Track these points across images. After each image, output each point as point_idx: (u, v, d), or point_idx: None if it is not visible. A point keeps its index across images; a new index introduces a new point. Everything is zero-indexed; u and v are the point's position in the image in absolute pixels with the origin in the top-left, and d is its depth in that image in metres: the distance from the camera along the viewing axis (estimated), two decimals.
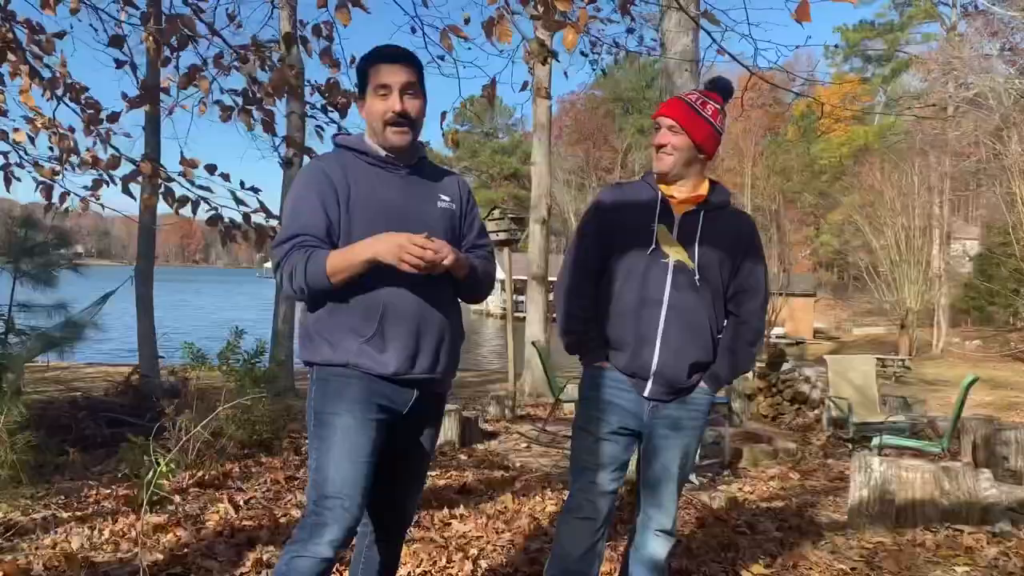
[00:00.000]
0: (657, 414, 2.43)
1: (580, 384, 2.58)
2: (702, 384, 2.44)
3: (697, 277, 2.37)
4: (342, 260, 2.05)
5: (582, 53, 9.64)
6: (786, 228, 36.96)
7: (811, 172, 49.76)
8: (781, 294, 32.69)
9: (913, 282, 27.55)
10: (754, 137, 48.82)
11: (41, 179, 3.83)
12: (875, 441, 6.60)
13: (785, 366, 9.88)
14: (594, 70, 9.98)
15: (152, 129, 11.08)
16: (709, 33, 2.90)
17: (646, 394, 2.40)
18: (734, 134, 51.81)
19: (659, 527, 2.49)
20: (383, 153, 2.22)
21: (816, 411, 9.09)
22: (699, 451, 5.97)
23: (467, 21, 2.96)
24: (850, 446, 7.76)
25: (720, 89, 2.49)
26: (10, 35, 3.33)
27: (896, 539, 4.07)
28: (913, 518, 4.39)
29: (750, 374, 10.04)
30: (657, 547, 2.50)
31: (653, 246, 2.38)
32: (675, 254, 2.38)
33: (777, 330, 34.04)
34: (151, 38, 3.55)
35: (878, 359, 21.85)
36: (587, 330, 2.47)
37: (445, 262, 2.06)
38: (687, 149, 2.39)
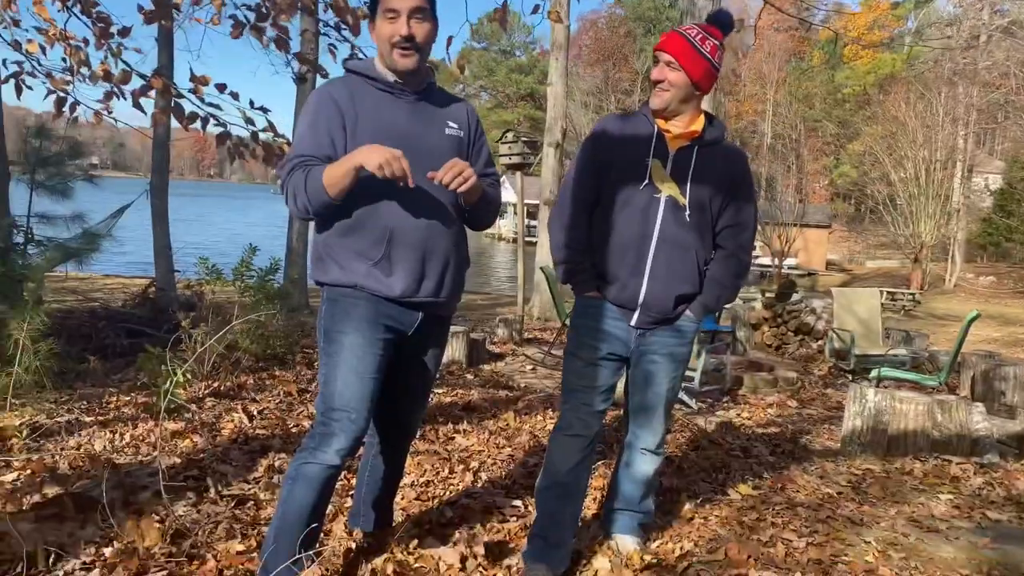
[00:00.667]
0: (644, 341, 2.53)
1: (572, 311, 2.68)
2: (687, 313, 2.53)
3: (688, 213, 2.42)
4: (336, 171, 2.10)
5: None
6: (805, 158, 36.31)
7: (834, 100, 48.66)
8: (796, 225, 32.42)
9: (930, 216, 27.24)
10: (778, 62, 47.58)
11: (52, 89, 3.85)
12: (874, 373, 6.72)
13: (794, 297, 9.94)
14: None
15: (165, 42, 10.97)
16: None
17: (633, 323, 2.50)
18: (756, 59, 50.52)
19: (645, 446, 2.63)
20: (391, 78, 2.25)
21: (820, 342, 9.20)
22: (700, 377, 6.12)
23: None
24: (850, 377, 7.89)
25: (720, 24, 2.48)
26: None
27: (885, 467, 4.20)
28: (904, 448, 4.52)
29: (757, 303, 10.12)
30: (644, 464, 2.65)
31: (646, 181, 2.42)
32: (667, 190, 2.42)
33: (789, 260, 33.94)
34: None
35: (888, 292, 21.98)
36: (580, 261, 2.54)
37: (469, 182, 2.13)
38: (684, 86, 2.40)
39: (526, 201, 11.10)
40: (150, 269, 11.93)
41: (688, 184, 2.42)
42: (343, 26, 3.73)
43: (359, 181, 2.10)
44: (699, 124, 2.48)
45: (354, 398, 2.17)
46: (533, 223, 21.29)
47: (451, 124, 2.33)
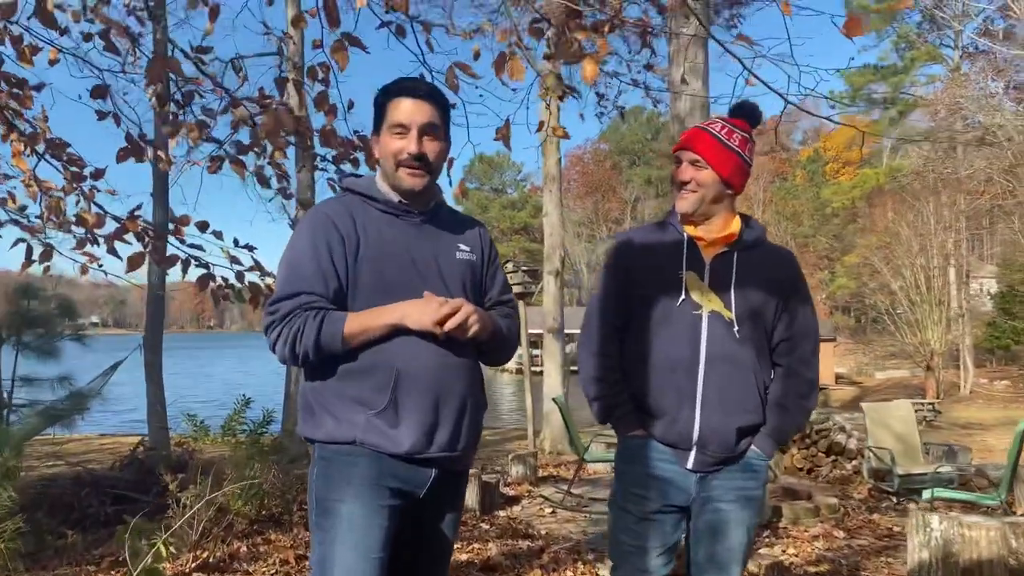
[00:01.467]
0: (706, 486, 2.11)
1: (616, 456, 2.28)
2: (753, 448, 2.13)
3: (736, 328, 2.08)
4: (365, 322, 1.80)
5: (582, 116, 9.58)
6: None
7: (822, 216, 49.72)
8: None
9: (936, 323, 27.03)
10: (762, 183, 48.94)
11: (21, 237, 3.60)
12: (926, 495, 6.18)
13: (814, 415, 9.47)
14: (601, 123, 9.92)
15: (160, 196, 11.03)
16: (741, 60, 2.66)
17: (690, 466, 2.10)
18: None
19: None
20: (395, 198, 1.97)
21: (854, 462, 8.64)
22: None
23: (477, 56, 2.75)
24: (895, 499, 7.32)
25: (746, 115, 2.21)
26: None
27: None
28: None
29: None
30: None
31: (683, 296, 2.10)
32: (708, 304, 2.10)
33: None
34: (154, 97, 3.38)
35: None
36: (616, 394, 2.18)
37: (471, 332, 1.85)
38: (713, 185, 2.12)
39: (530, 331, 10.85)
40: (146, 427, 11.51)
41: (732, 294, 2.09)
42: (343, 160, 3.54)
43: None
44: (735, 226, 2.18)
45: None
46: (537, 352, 20.98)
47: (462, 247, 2.04)
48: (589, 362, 2.22)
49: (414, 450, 1.83)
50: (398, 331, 1.83)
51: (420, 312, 1.80)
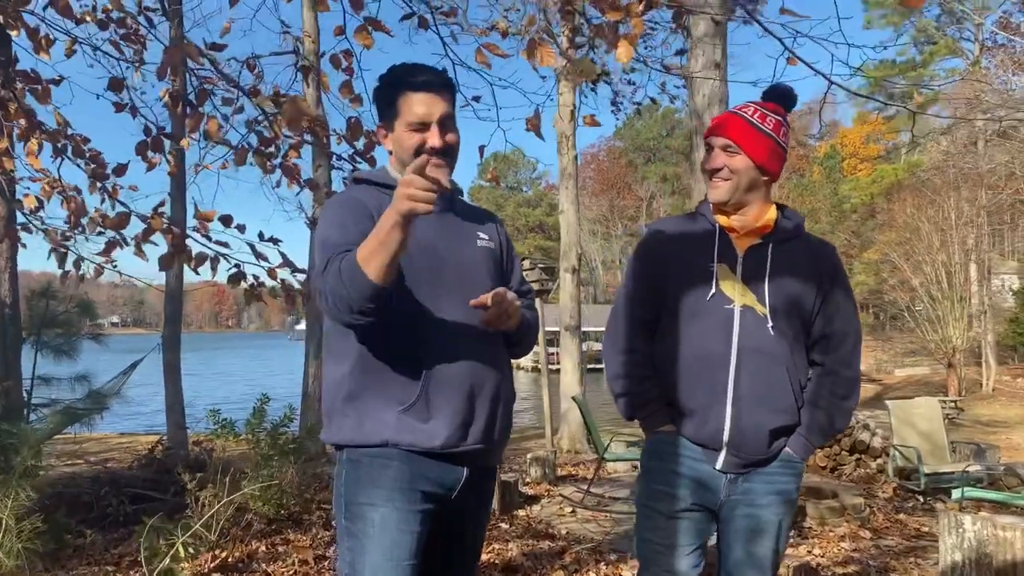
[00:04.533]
0: (737, 489, 2.03)
1: (643, 453, 2.19)
2: (787, 450, 2.03)
3: (770, 324, 1.98)
4: (370, 244, 1.64)
5: (613, 105, 9.52)
6: None
7: (840, 212, 49.24)
8: None
9: (958, 319, 26.67)
10: (780, 178, 48.57)
11: (53, 246, 3.58)
12: (956, 495, 6.04)
13: None
14: (617, 119, 9.84)
15: (178, 194, 11.05)
16: (781, 40, 2.56)
17: (719, 466, 2.01)
18: None
19: None
20: None
21: (878, 460, 8.50)
22: None
23: (504, 34, 2.67)
24: (921, 499, 7.18)
25: (780, 97, 2.11)
26: (11, 95, 3.12)
27: None
28: None
29: None
30: None
31: (713, 290, 2.01)
32: (740, 298, 2.00)
33: None
34: (168, 95, 3.35)
35: None
36: (644, 391, 2.09)
37: (514, 319, 1.79)
38: (747, 171, 2.02)
39: (547, 328, 10.76)
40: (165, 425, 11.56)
41: (766, 287, 2.00)
42: (357, 158, 3.49)
43: (390, 300, 1.68)
44: (771, 216, 2.08)
45: None
46: (554, 350, 20.88)
47: (481, 236, 1.98)
48: (616, 359, 2.14)
49: (448, 444, 1.76)
50: (422, 322, 1.77)
51: (400, 200, 1.58)
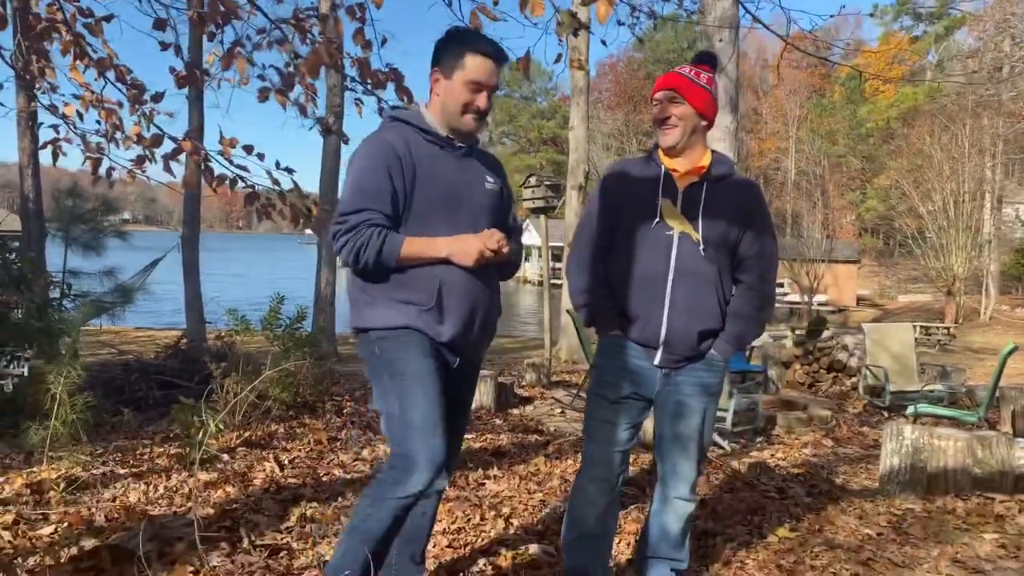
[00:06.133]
0: (669, 381, 2.51)
1: (595, 351, 2.68)
2: (712, 351, 2.51)
3: (702, 247, 2.43)
4: (418, 251, 2.21)
5: (619, 22, 9.55)
6: (831, 193, 36.17)
7: (857, 135, 48.56)
8: (824, 261, 32.17)
9: (962, 248, 26.86)
10: (799, 99, 47.72)
11: (88, 154, 3.97)
12: (910, 410, 6.58)
13: (825, 334, 9.82)
14: (632, 36, 9.89)
15: (195, 100, 11.32)
16: (742, 4, 2.88)
17: (657, 362, 2.48)
18: (777, 96, 50.72)
19: (676, 494, 2.56)
20: (443, 132, 2.35)
21: (853, 379, 9.04)
22: (732, 418, 6.04)
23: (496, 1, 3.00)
24: (886, 414, 7.73)
25: (708, 59, 2.54)
26: (61, 14, 3.47)
27: (925, 506, 4.09)
28: (944, 486, 4.40)
29: (787, 341, 10.01)
30: (677, 511, 2.58)
31: (657, 219, 2.45)
32: (679, 226, 2.44)
33: (819, 297, 33.59)
34: (196, 15, 3.65)
35: (921, 327, 21.61)
36: (599, 303, 2.56)
37: (503, 253, 2.28)
38: (690, 117, 2.45)
39: (551, 244, 11.14)
40: (183, 321, 12.16)
41: (700, 220, 2.44)
42: (370, 85, 3.82)
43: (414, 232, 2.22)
44: (706, 160, 2.52)
45: (432, 424, 2.20)
46: (558, 266, 21.32)
47: (489, 179, 2.43)
48: (579, 276, 2.61)
49: (453, 341, 2.29)
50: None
51: (464, 255, 2.22)
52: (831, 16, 3.87)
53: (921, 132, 31.06)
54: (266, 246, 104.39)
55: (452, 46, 2.31)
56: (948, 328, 22.71)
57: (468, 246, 2.23)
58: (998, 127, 28.90)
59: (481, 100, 2.30)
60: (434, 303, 2.24)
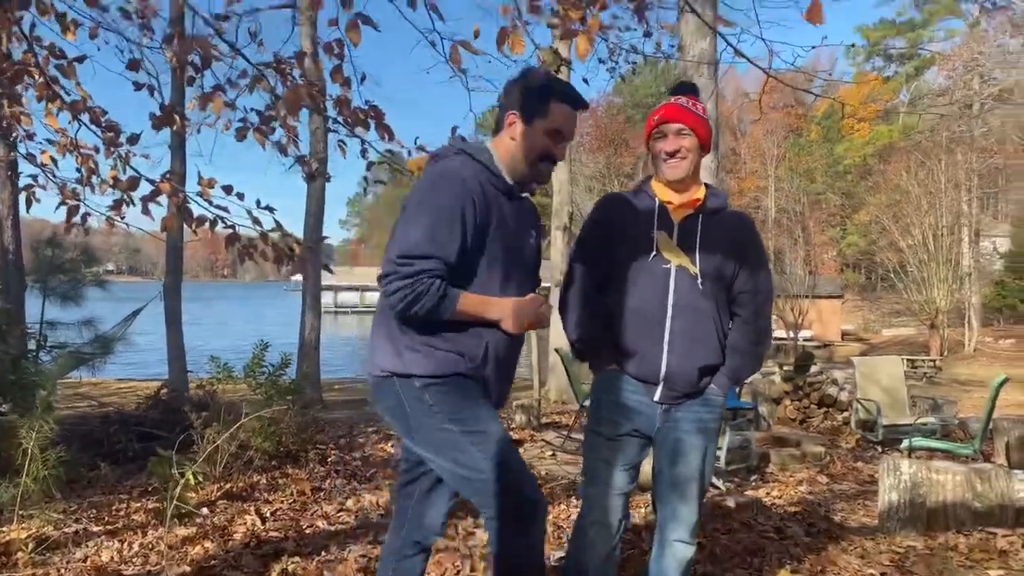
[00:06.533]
0: (670, 417, 2.43)
1: (591, 388, 2.59)
2: (712, 386, 2.44)
3: (700, 281, 2.37)
4: (472, 310, 2.12)
5: (600, 60, 9.65)
6: (811, 230, 36.58)
7: (835, 172, 49.31)
8: (808, 296, 32.35)
9: (943, 281, 27.12)
10: (776, 138, 48.49)
11: (64, 200, 3.90)
12: (904, 444, 6.50)
13: (812, 369, 9.78)
14: (612, 77, 10.00)
15: (178, 147, 11.28)
16: (724, 37, 2.87)
17: (656, 398, 2.40)
18: (755, 136, 51.50)
19: (678, 536, 2.46)
20: (509, 180, 2.26)
21: (844, 414, 8.97)
22: (726, 456, 5.94)
23: (476, 34, 2.98)
24: (879, 449, 7.65)
25: (691, 89, 2.51)
26: (33, 58, 3.42)
27: (927, 543, 4.00)
28: (945, 521, 4.31)
29: (776, 377, 9.94)
30: (677, 556, 2.47)
31: (654, 252, 2.39)
32: (676, 259, 2.38)
33: (805, 333, 33.69)
34: (174, 58, 3.62)
35: (908, 360, 21.67)
36: (596, 337, 2.49)
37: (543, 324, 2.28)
38: (696, 150, 2.41)
39: None
40: (165, 371, 11.93)
41: (697, 253, 2.39)
42: (356, 126, 3.78)
43: (466, 284, 2.14)
44: (700, 193, 2.46)
45: (521, 463, 2.16)
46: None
47: (533, 233, 2.39)
48: (572, 311, 2.53)
49: (489, 391, 2.23)
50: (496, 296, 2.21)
51: (515, 323, 2.16)
52: (813, 47, 3.89)
53: (897, 168, 31.57)
54: (252, 294, 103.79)
55: (537, 91, 2.23)
56: (934, 361, 22.80)
57: (519, 315, 2.17)
58: (972, 162, 29.44)
59: (561, 150, 2.25)
60: (478, 363, 2.17)
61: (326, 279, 21.69)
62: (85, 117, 3.31)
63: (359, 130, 3.73)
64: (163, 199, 3.40)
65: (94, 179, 3.46)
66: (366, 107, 3.34)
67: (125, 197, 3.40)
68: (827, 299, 36.28)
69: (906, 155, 32.45)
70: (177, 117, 3.40)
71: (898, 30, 38.03)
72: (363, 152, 3.98)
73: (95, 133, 3.37)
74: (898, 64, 46.18)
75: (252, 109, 3.35)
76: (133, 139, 3.43)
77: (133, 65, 3.24)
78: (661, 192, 2.46)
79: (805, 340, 32.92)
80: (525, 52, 2.97)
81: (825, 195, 46.54)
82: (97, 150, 3.48)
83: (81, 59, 3.29)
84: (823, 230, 43.62)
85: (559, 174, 13.18)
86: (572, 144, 15.68)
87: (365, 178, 4.19)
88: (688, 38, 7.41)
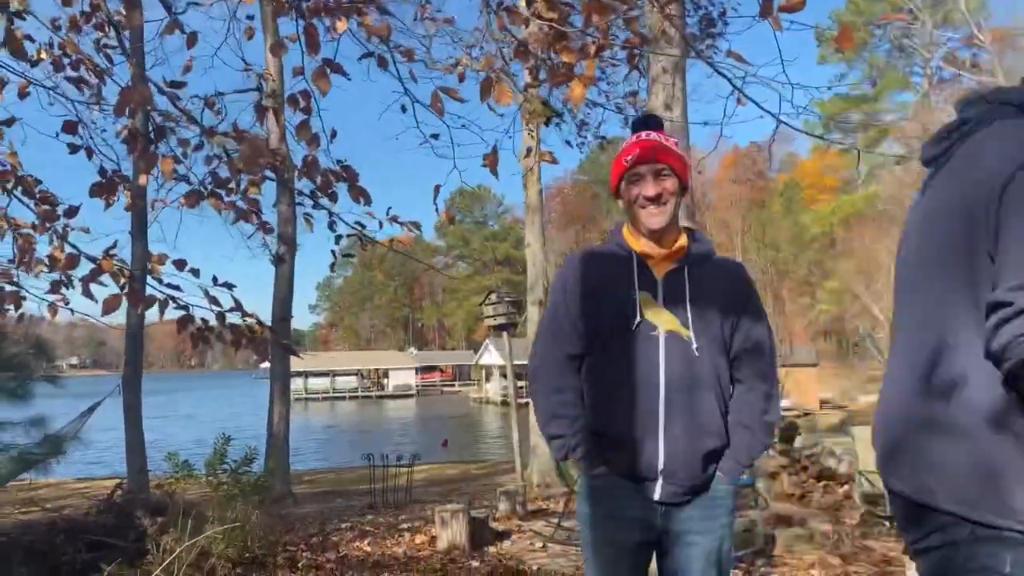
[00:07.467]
0: (673, 519, 2.01)
1: (579, 497, 2.17)
2: (719, 474, 2.03)
3: (695, 346, 1.98)
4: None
5: (567, 142, 9.65)
6: (784, 298, 36.89)
7: (800, 243, 50.25)
8: (784, 366, 32.30)
9: None
10: (740, 211, 49.51)
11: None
12: None
13: (799, 439, 9.42)
14: (581, 152, 9.96)
15: (139, 234, 10.89)
16: (730, 80, 2.62)
17: (656, 497, 1.99)
18: (719, 209, 52.49)
19: None
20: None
21: (845, 487, 8.57)
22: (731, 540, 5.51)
23: (462, 78, 2.71)
24: (887, 524, 7.23)
25: (658, 123, 2.15)
26: None
27: None
28: None
29: (771, 450, 9.56)
30: None
31: (638, 319, 2.00)
32: (665, 324, 1.99)
33: (784, 402, 33.50)
34: (125, 132, 3.32)
35: None
36: (576, 432, 2.06)
37: None
38: (677, 193, 2.04)
39: (515, 362, 10.72)
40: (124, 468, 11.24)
41: (688, 312, 2.00)
42: (318, 195, 3.47)
43: None
44: (683, 240, 2.09)
45: None
46: (522, 384, 20.83)
47: None
48: (544, 399, 2.11)
49: None
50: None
51: None
52: (828, 87, 3.69)
53: (863, 236, 32.12)
54: (220, 383, 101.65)
55: None
56: None
57: None
58: None
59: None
60: None
61: (296, 365, 21.07)
62: (14, 187, 2.95)
63: (325, 202, 3.42)
64: (106, 278, 3.01)
65: (27, 259, 3.06)
66: (337, 167, 3.02)
67: (63, 278, 3.00)
68: (803, 367, 36.29)
69: (871, 222, 33.10)
70: (123, 189, 3.05)
71: (852, 103, 39.44)
72: (331, 224, 3.66)
73: (28, 207, 3.01)
74: (852, 136, 47.77)
75: (208, 172, 3.01)
76: (71, 212, 3.06)
77: (70, 128, 2.91)
78: (637, 244, 2.08)
79: (785, 410, 32.68)
80: (510, 106, 2.69)
81: (793, 265, 47.25)
82: (34, 226, 3.11)
83: (10, 122, 2.95)
84: (793, 299, 44.04)
85: (533, 249, 13.04)
86: (545, 221, 15.48)
87: (333, 252, 3.85)
88: (657, 111, 7.34)
